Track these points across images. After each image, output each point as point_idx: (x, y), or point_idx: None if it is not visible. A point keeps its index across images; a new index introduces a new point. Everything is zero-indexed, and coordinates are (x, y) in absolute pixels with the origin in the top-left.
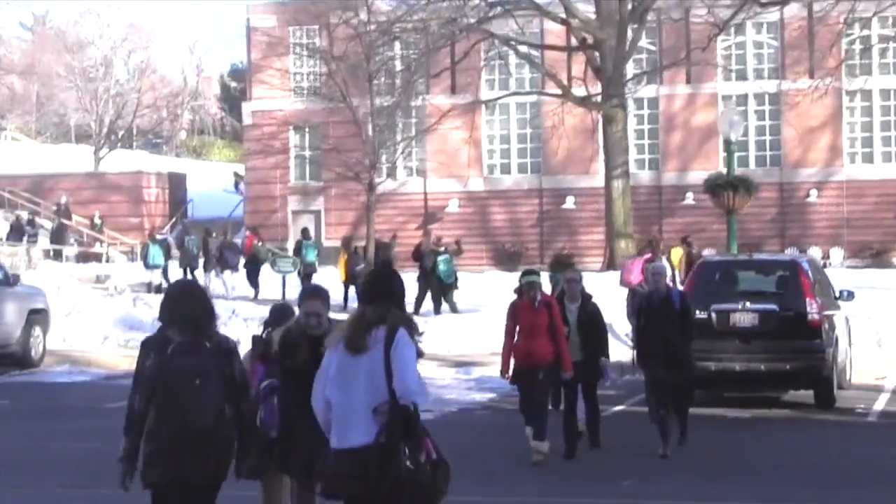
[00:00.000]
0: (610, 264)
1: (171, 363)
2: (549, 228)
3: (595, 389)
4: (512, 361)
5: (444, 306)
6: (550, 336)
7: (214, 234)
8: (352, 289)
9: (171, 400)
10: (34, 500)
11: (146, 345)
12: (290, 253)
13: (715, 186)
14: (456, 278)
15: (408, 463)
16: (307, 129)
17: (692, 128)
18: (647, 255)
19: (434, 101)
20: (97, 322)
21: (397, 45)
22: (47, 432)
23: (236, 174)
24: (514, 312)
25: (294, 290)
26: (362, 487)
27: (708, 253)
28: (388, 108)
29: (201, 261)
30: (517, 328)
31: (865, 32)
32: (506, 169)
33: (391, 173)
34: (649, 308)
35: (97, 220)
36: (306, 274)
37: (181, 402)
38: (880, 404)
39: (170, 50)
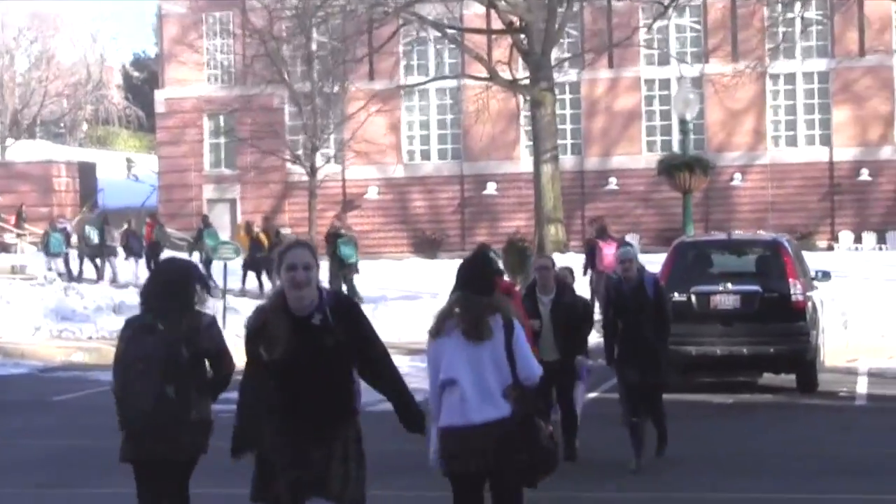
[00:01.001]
0: (539, 250)
1: (125, 347)
2: (471, 215)
3: (572, 392)
4: None
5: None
6: None
7: (126, 225)
8: (251, 274)
9: (126, 383)
10: (13, 500)
11: (123, 326)
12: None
13: (670, 167)
14: (357, 261)
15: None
16: (222, 116)
17: (615, 112)
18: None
19: (354, 87)
20: (27, 312)
21: (314, 31)
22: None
23: (129, 160)
24: None
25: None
26: (502, 459)
27: (630, 238)
28: (309, 94)
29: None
30: None
31: (789, 15)
32: (426, 155)
33: (308, 159)
34: (619, 299)
35: (24, 213)
36: (207, 259)
37: (129, 386)
38: (863, 388)
39: (73, 39)
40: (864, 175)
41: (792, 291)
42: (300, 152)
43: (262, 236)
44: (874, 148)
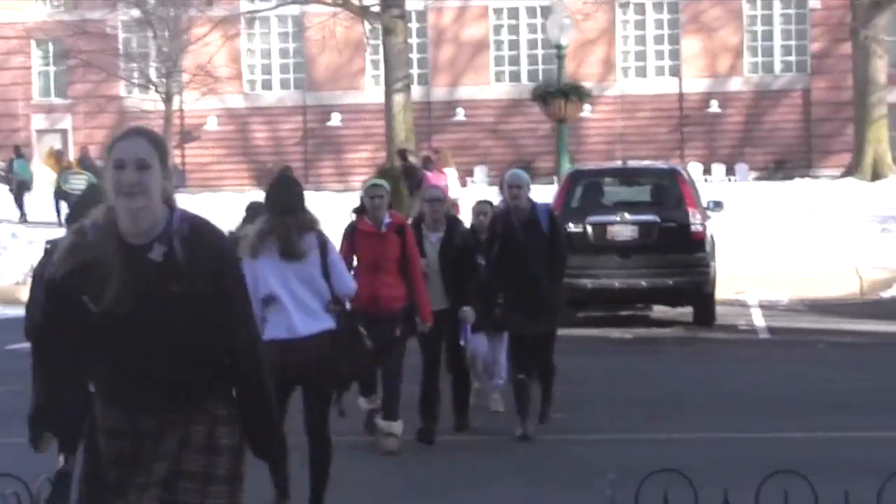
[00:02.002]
0: None
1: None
2: (314, 147)
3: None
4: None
5: None
6: (402, 273)
7: None
8: (63, 204)
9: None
10: None
11: None
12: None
13: (546, 94)
14: None
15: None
16: (51, 42)
17: (462, 42)
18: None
19: (192, 13)
20: None
21: None
22: None
23: None
24: (352, 239)
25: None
26: (324, 369)
27: (479, 170)
28: (161, 17)
29: None
30: (356, 261)
31: None
32: (267, 85)
33: (162, 86)
34: (507, 232)
35: None
36: (18, 190)
37: (28, 301)
38: (759, 320)
39: None
40: (714, 107)
41: (691, 221)
42: (135, 80)
43: (76, 165)
44: (723, 79)
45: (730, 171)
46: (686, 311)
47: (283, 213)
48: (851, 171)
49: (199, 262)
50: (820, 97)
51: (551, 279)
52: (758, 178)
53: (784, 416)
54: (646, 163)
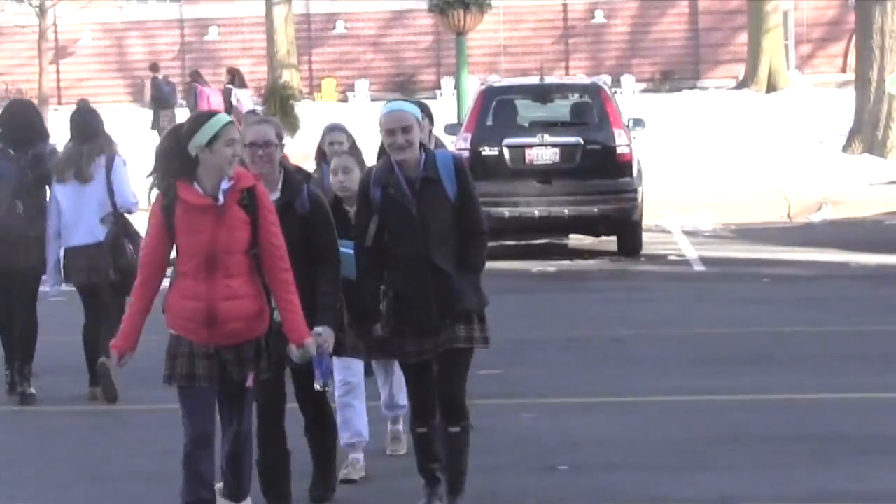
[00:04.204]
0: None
1: None
2: (192, 61)
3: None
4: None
5: None
6: (254, 272)
7: None
8: None
9: None
10: None
11: None
12: None
13: (445, 5)
14: None
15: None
16: None
17: None
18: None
19: None
20: None
21: None
22: None
23: None
24: (168, 218)
25: None
26: (96, 275)
27: (360, 85)
28: None
29: None
30: (170, 256)
31: None
32: None
33: (16, 1)
34: (387, 200)
35: None
36: None
37: None
38: (689, 250)
39: None
40: (599, 17)
41: (617, 143)
42: None
43: None
44: None
45: (616, 83)
46: (607, 240)
47: (81, 141)
48: (746, 82)
49: None
50: (708, 6)
51: (463, 270)
52: (644, 91)
53: (748, 370)
54: (566, 78)
